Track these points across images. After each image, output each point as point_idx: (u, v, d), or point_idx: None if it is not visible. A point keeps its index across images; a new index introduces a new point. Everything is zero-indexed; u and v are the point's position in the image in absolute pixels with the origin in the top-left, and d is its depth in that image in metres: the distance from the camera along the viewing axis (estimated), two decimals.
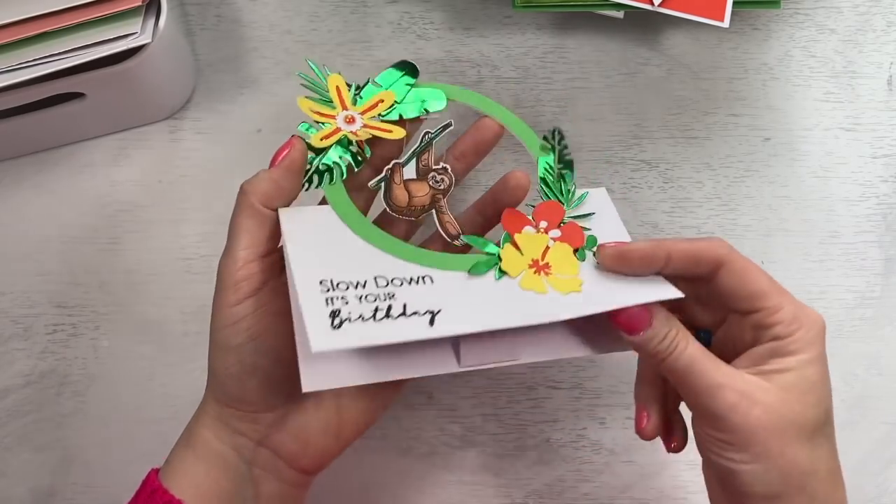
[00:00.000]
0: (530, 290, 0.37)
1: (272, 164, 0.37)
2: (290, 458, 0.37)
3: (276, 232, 0.37)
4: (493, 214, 0.41)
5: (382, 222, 0.40)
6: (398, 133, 0.39)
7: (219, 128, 0.49)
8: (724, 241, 0.36)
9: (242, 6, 0.50)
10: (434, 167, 0.40)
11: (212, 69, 0.49)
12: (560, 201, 0.40)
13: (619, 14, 0.48)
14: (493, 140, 0.42)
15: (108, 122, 0.48)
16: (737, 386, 0.34)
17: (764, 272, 0.36)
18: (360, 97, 0.40)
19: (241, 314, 0.35)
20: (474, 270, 0.37)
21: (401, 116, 0.40)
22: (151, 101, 0.47)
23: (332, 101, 0.40)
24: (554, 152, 0.42)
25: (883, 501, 0.49)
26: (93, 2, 0.40)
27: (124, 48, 0.41)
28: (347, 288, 0.35)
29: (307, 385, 0.33)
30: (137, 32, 0.41)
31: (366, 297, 0.35)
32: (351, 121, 0.39)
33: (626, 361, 0.41)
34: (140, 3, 0.41)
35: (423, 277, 0.36)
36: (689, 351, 0.35)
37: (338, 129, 0.39)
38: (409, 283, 0.36)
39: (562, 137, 0.42)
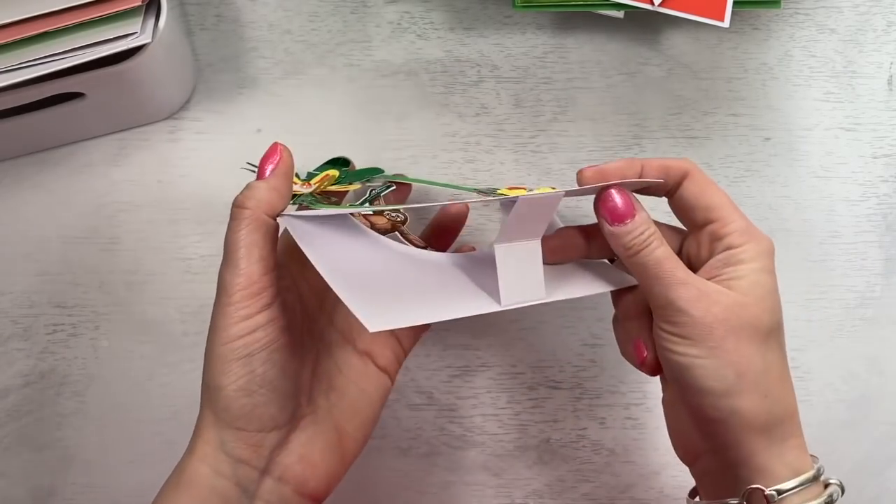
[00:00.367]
0: (505, 193, 0.39)
1: (261, 173, 0.36)
2: (298, 482, 0.36)
3: (274, 245, 0.36)
4: (437, 243, 0.45)
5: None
6: (333, 176, 0.43)
7: (218, 128, 0.49)
8: (692, 160, 0.40)
9: (242, 6, 0.50)
10: (388, 212, 0.42)
11: (212, 69, 0.49)
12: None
13: (619, 14, 0.48)
14: (461, 225, 0.46)
15: (108, 122, 0.48)
16: (699, 285, 0.36)
17: (722, 190, 0.39)
18: (314, 172, 0.44)
19: (255, 325, 0.34)
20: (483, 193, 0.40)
21: (350, 182, 0.44)
22: (151, 101, 0.47)
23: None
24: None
25: (883, 501, 0.49)
26: (93, 2, 0.40)
27: (124, 48, 0.41)
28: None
29: (373, 326, 0.32)
30: (137, 32, 0.41)
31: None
32: (307, 185, 0.42)
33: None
34: (140, 3, 0.41)
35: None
36: (663, 249, 0.37)
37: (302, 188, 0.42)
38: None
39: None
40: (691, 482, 0.40)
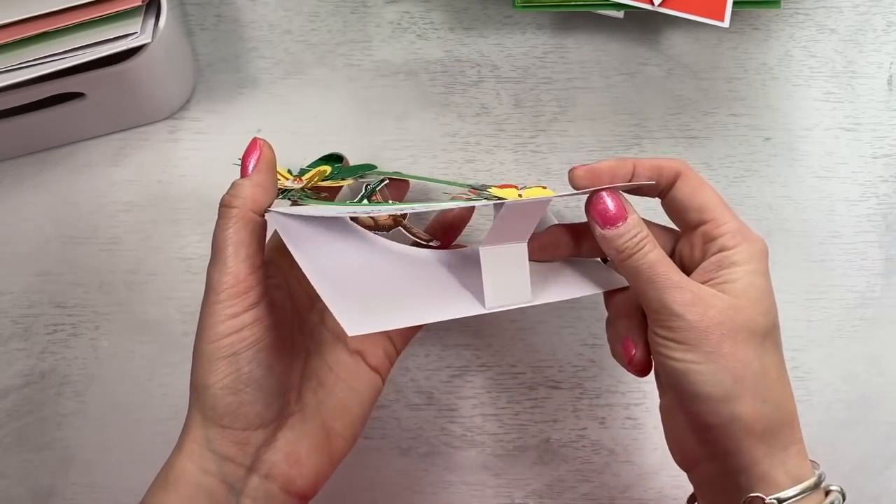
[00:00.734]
0: (499, 196, 0.38)
1: (244, 170, 0.36)
2: (284, 480, 0.36)
3: (262, 242, 0.36)
4: (442, 237, 0.44)
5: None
6: (324, 171, 0.43)
7: (218, 128, 0.49)
8: (684, 160, 0.39)
9: (242, 6, 0.50)
10: (385, 208, 0.41)
11: (212, 69, 0.49)
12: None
13: (619, 14, 0.48)
14: (465, 223, 0.46)
15: (108, 122, 0.48)
16: (693, 288, 0.36)
17: (715, 191, 0.38)
18: (305, 168, 0.44)
19: (241, 324, 0.34)
20: (475, 194, 0.40)
21: (343, 178, 0.43)
22: (151, 101, 0.47)
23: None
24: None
25: (883, 501, 0.49)
26: (93, 2, 0.40)
27: (124, 48, 0.41)
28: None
29: (353, 330, 0.32)
30: (137, 32, 0.41)
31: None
32: (298, 181, 0.42)
33: None
34: (140, 3, 0.41)
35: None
36: (656, 252, 0.37)
37: (293, 183, 0.42)
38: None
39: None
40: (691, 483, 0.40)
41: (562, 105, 0.50)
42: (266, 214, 0.36)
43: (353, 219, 0.40)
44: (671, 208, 0.39)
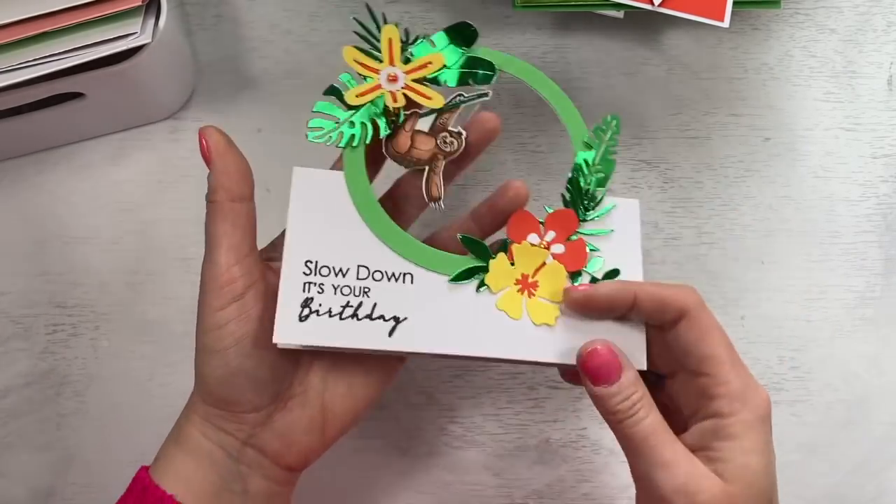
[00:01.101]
0: (504, 311, 0.37)
1: (205, 159, 0.37)
2: (275, 456, 0.37)
3: (250, 229, 0.37)
4: (489, 224, 0.40)
5: (393, 201, 0.40)
6: (437, 102, 0.38)
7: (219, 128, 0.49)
8: (695, 291, 0.35)
9: (242, 6, 0.50)
10: (450, 128, 0.38)
11: (212, 69, 0.49)
12: (578, 211, 0.38)
13: (619, 14, 0.48)
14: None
15: (108, 122, 0.48)
16: (685, 467, 0.33)
17: (725, 337, 0.35)
18: (412, 55, 0.38)
19: (225, 319, 0.35)
20: (455, 280, 0.37)
21: (444, 83, 0.38)
22: (151, 101, 0.47)
23: (379, 54, 0.38)
24: (597, 149, 0.39)
25: (883, 501, 0.49)
26: (93, 2, 0.40)
27: (124, 48, 0.41)
28: (328, 274, 0.36)
29: (278, 338, 0.35)
30: (137, 32, 0.41)
31: (341, 288, 0.36)
32: (393, 79, 0.38)
33: None
34: (140, 3, 0.41)
35: (404, 275, 0.37)
36: (649, 420, 0.34)
37: (377, 87, 0.38)
38: (389, 279, 0.37)
39: (614, 132, 0.39)
40: None
41: None
42: (294, 172, 0.37)
43: (386, 139, 0.38)
44: (671, 345, 0.36)
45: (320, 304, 0.36)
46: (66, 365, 0.48)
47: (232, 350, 0.35)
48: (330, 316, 0.36)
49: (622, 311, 0.36)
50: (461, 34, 0.39)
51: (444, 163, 0.38)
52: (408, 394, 0.49)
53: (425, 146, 0.38)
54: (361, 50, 0.38)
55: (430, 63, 0.38)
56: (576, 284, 0.37)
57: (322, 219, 0.37)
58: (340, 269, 0.37)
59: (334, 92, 0.38)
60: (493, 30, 0.50)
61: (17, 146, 0.48)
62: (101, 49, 0.41)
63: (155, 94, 0.47)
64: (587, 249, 0.38)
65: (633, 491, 0.37)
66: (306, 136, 0.38)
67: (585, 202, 0.38)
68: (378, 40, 0.38)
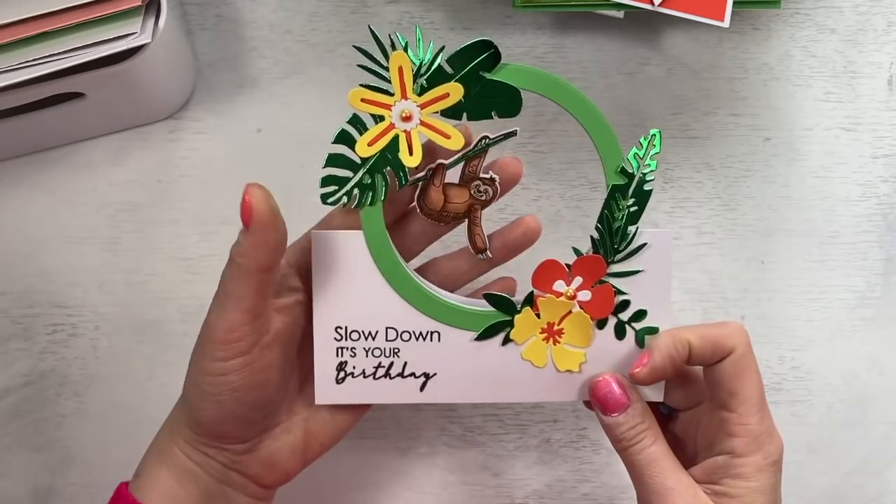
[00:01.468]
0: (529, 360, 0.38)
1: (244, 222, 0.34)
2: (257, 478, 0.38)
3: (267, 293, 0.35)
4: (499, 258, 0.40)
5: (402, 226, 0.40)
6: (457, 142, 0.35)
7: (218, 128, 0.49)
8: (742, 329, 0.36)
9: (242, 6, 0.50)
10: (482, 176, 0.37)
11: (212, 69, 0.49)
12: (607, 252, 0.37)
13: (619, 14, 0.48)
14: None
15: (108, 121, 0.48)
16: (686, 498, 0.34)
17: (760, 380, 0.36)
18: (425, 84, 0.34)
19: (226, 370, 0.35)
20: (481, 338, 0.38)
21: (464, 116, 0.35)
22: (151, 101, 0.47)
23: (390, 86, 0.34)
24: (633, 179, 0.36)
25: (883, 501, 0.49)
26: (93, 2, 0.40)
27: (124, 48, 0.41)
28: (358, 338, 0.37)
29: (319, 400, 0.38)
30: (137, 32, 0.41)
31: (372, 351, 0.38)
32: (407, 118, 0.34)
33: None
34: (140, 3, 0.41)
35: (431, 333, 0.38)
36: (653, 448, 0.36)
37: (391, 127, 0.35)
38: (417, 338, 0.38)
39: (655, 152, 0.36)
40: None
41: None
42: (313, 237, 0.37)
43: (418, 198, 0.37)
44: (708, 378, 0.37)
45: (354, 367, 0.37)
46: (65, 365, 0.48)
47: (228, 396, 0.35)
48: (364, 377, 0.38)
49: (683, 362, 0.36)
50: (481, 55, 0.34)
51: (481, 213, 0.37)
52: None
53: (460, 199, 0.36)
54: (368, 86, 0.34)
55: (447, 94, 0.34)
56: (634, 363, 0.37)
57: (346, 282, 0.37)
58: (370, 333, 0.37)
59: (345, 139, 0.35)
60: (493, 30, 0.50)
61: (17, 146, 0.48)
62: (101, 49, 0.41)
63: (155, 94, 0.47)
64: (614, 295, 0.37)
65: (633, 491, 0.37)
66: (321, 197, 0.36)
67: (616, 242, 0.37)
68: (387, 69, 0.34)
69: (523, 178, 0.49)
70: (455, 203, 0.36)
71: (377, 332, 0.37)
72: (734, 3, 0.44)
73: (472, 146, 0.36)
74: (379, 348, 0.38)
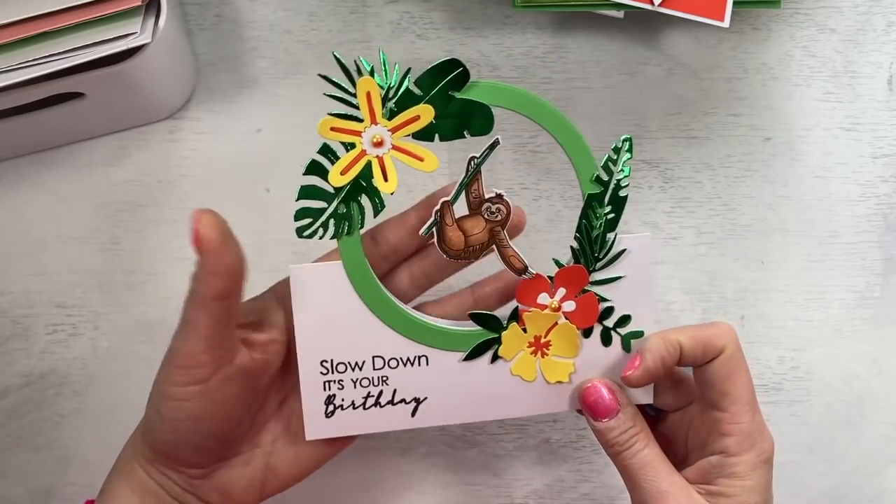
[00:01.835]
0: (518, 375, 0.38)
1: (195, 250, 0.33)
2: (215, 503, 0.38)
3: (230, 322, 0.35)
4: (495, 304, 0.40)
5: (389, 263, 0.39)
6: (430, 164, 0.35)
7: (219, 128, 0.49)
8: (732, 329, 0.36)
9: (242, 6, 0.50)
10: (487, 197, 0.36)
11: (212, 69, 0.49)
12: (588, 261, 0.37)
13: (619, 14, 0.48)
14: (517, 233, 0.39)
15: (108, 121, 0.48)
16: (681, 500, 0.34)
17: (750, 379, 0.36)
18: (394, 107, 0.34)
19: (184, 395, 0.34)
20: (469, 358, 0.37)
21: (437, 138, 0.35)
22: (151, 101, 0.47)
23: (359, 112, 0.34)
24: (607, 186, 0.36)
25: (883, 501, 0.49)
26: (93, 2, 0.40)
27: (124, 48, 0.41)
28: (345, 370, 0.37)
29: (310, 435, 0.37)
30: (137, 32, 0.41)
31: (360, 381, 0.37)
32: (378, 144, 0.34)
33: None
34: (140, 3, 0.41)
35: (418, 358, 0.37)
36: (646, 452, 0.36)
37: (362, 154, 0.35)
38: (405, 364, 0.37)
39: (626, 158, 0.36)
40: None
41: (562, 105, 0.50)
42: (291, 271, 0.36)
43: (438, 239, 0.36)
44: (698, 376, 0.37)
45: (343, 399, 0.37)
46: (65, 365, 0.48)
47: (184, 423, 0.35)
48: (354, 408, 0.37)
49: (675, 363, 0.36)
50: (450, 75, 0.34)
51: (505, 232, 0.36)
52: None
53: (478, 228, 0.36)
54: (338, 115, 0.34)
55: (417, 116, 0.34)
56: (625, 367, 0.37)
57: (328, 315, 0.37)
58: (356, 363, 0.37)
59: (316, 170, 0.35)
60: (492, 30, 0.50)
61: (17, 146, 0.48)
62: (101, 49, 0.41)
63: (155, 93, 0.47)
64: (598, 303, 0.37)
65: None
66: (296, 231, 0.35)
67: (596, 250, 0.37)
68: (355, 95, 0.34)
69: (523, 178, 0.50)
70: (476, 234, 0.36)
71: (364, 361, 0.37)
72: (734, 3, 0.44)
73: (464, 173, 0.36)
74: (367, 378, 0.37)
